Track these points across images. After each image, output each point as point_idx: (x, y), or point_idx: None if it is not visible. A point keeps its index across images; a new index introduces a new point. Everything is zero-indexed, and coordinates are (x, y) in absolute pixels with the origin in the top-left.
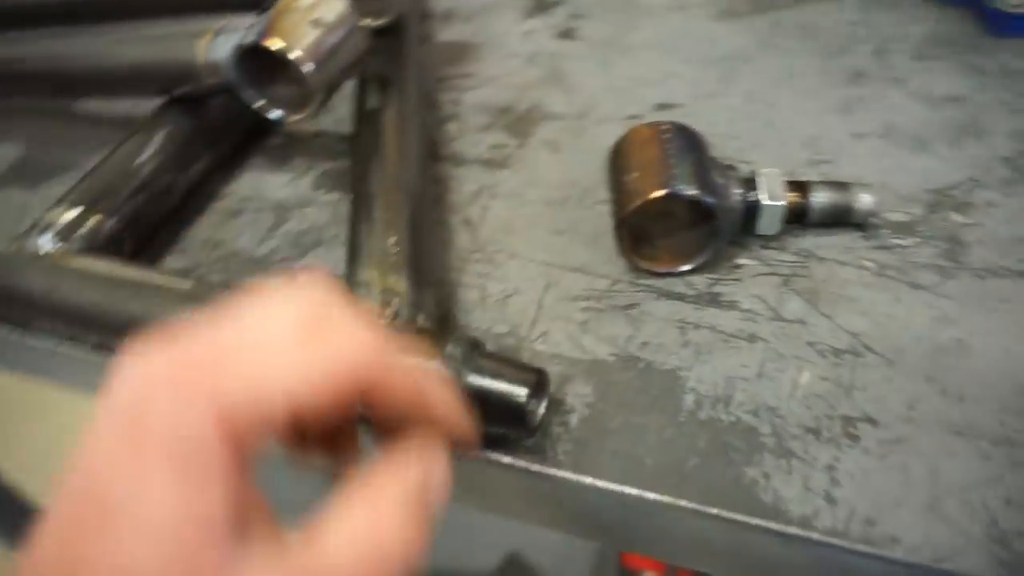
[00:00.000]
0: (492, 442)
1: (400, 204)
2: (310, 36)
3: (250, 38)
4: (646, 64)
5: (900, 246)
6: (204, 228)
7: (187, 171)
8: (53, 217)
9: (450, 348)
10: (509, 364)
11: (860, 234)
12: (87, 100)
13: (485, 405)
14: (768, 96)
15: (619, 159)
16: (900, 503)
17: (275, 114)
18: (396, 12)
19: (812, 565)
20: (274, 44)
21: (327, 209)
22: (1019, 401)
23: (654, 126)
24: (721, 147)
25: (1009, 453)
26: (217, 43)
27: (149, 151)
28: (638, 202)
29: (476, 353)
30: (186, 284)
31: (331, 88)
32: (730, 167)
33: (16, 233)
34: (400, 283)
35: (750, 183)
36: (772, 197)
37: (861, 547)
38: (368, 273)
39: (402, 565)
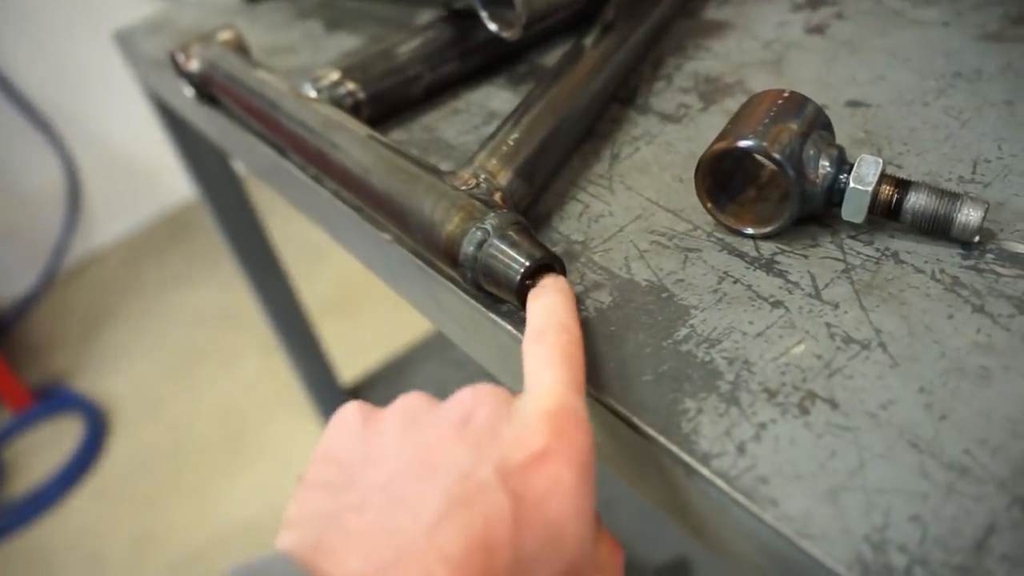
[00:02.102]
0: (508, 313)
1: (545, 119)
2: None
3: None
4: (868, 66)
5: (995, 273)
6: (431, 117)
7: (436, 70)
8: (320, 75)
9: (492, 216)
10: (529, 241)
11: (961, 251)
12: (423, 12)
13: (496, 269)
14: (967, 114)
15: (736, 112)
16: (802, 477)
17: (494, 27)
18: None
19: (704, 505)
20: None
21: None
22: (1004, 444)
23: (779, 90)
24: (885, 148)
25: (951, 479)
26: None
27: (409, 46)
28: (714, 147)
29: (513, 227)
30: (362, 132)
31: (538, 17)
32: (834, 146)
33: None
34: (497, 167)
35: (846, 165)
36: (859, 182)
37: (737, 496)
38: (481, 154)
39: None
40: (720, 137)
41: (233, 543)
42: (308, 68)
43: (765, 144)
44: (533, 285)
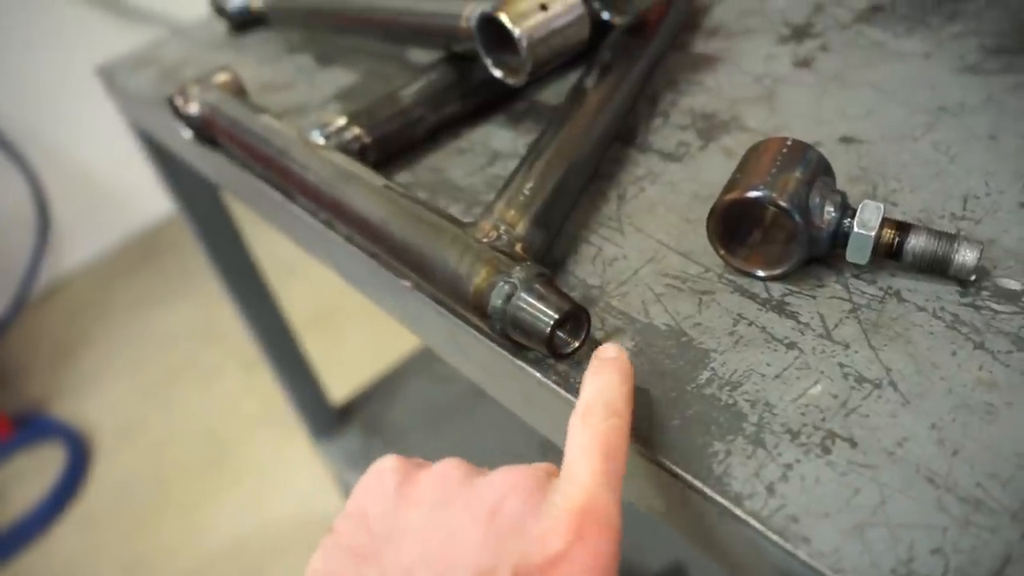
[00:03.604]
0: (536, 360)
1: (556, 165)
2: (533, 18)
3: (488, 8)
4: (857, 100)
5: (992, 310)
6: (435, 158)
7: (439, 112)
8: (327, 121)
9: (518, 270)
10: (556, 294)
11: (958, 289)
12: (414, 49)
13: (525, 321)
14: (954, 150)
15: (742, 160)
16: (830, 515)
17: (499, 73)
18: (635, 13)
19: (737, 542)
20: (501, 17)
21: None
22: (1014, 476)
23: (782, 139)
24: (880, 185)
25: (967, 512)
26: (474, 11)
27: (412, 89)
28: (726, 197)
29: (539, 279)
30: (378, 182)
31: (542, 63)
32: (837, 191)
33: None
34: (516, 217)
35: (849, 210)
36: (862, 227)
37: (771, 535)
38: (498, 204)
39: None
40: (730, 187)
41: (224, 563)
42: (304, 105)
43: (774, 195)
44: (563, 335)
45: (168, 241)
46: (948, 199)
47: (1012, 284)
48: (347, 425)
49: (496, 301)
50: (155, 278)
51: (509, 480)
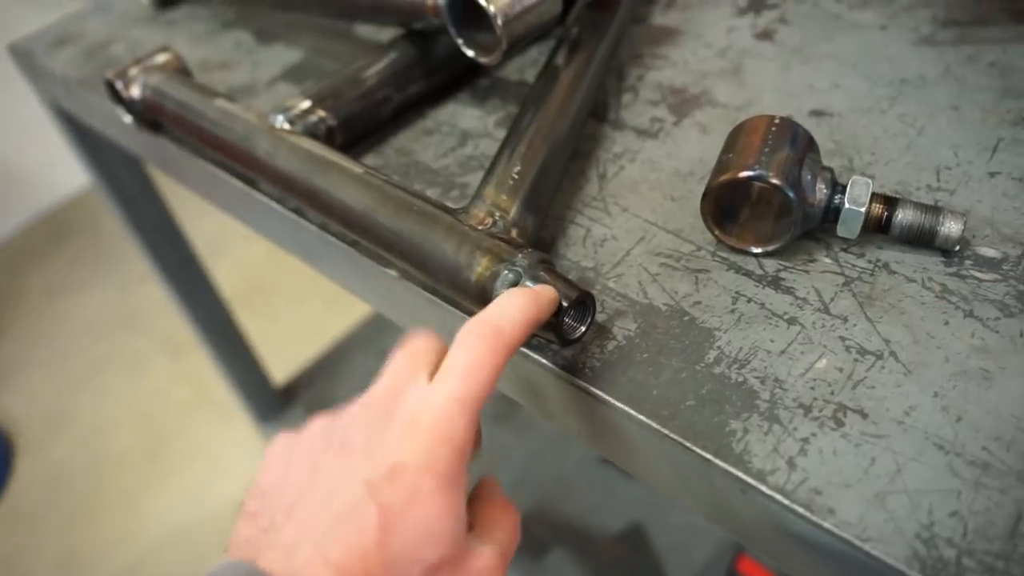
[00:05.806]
0: (539, 347)
1: (540, 146)
2: None
3: None
4: (822, 73)
5: (976, 278)
6: (402, 139)
7: (403, 91)
8: (289, 104)
9: (520, 257)
10: (562, 281)
11: (942, 259)
12: (361, 24)
13: None
14: (920, 122)
15: (729, 139)
16: (851, 485)
17: (471, 53)
18: None
19: (760, 516)
20: None
21: (497, 143)
22: (1015, 438)
23: (769, 117)
24: (855, 158)
25: (977, 475)
26: None
27: (375, 69)
28: (721, 178)
29: (541, 266)
30: (358, 169)
31: (517, 41)
32: (826, 168)
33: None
34: (508, 202)
35: (839, 186)
36: (853, 202)
37: (798, 508)
38: (488, 189)
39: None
40: (723, 167)
41: (169, 551)
42: (251, 86)
43: (770, 174)
44: (570, 321)
45: (76, 222)
46: (921, 171)
47: (991, 252)
48: (291, 406)
49: (501, 290)
50: (66, 262)
51: (357, 412)
